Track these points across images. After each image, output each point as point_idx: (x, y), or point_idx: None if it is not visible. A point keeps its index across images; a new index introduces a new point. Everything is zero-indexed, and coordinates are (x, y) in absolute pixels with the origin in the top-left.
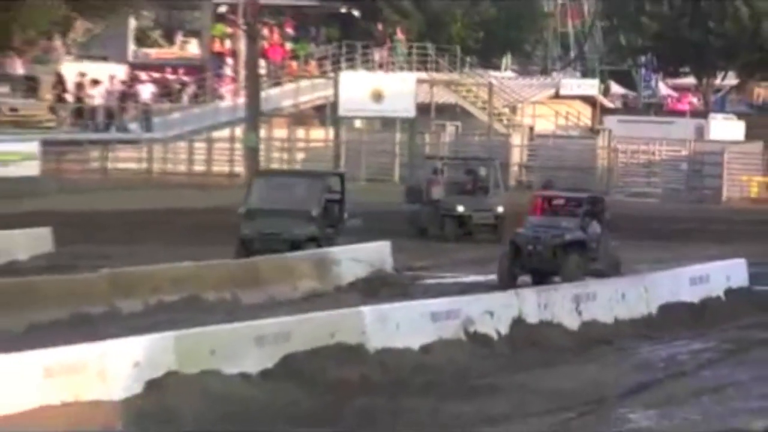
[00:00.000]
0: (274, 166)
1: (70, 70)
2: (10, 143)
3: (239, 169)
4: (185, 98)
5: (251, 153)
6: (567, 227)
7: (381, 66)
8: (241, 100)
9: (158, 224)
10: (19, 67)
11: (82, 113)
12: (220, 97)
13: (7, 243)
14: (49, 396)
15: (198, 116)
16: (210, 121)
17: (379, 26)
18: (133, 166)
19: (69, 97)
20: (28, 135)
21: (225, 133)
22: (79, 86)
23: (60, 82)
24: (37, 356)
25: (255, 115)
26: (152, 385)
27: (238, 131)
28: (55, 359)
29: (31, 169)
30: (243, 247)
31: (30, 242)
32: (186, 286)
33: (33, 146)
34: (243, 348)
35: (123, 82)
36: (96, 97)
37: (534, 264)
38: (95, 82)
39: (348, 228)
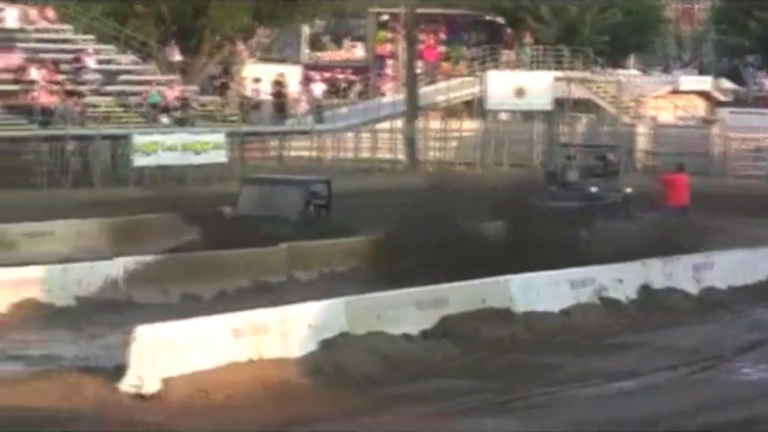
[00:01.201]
0: (430, 153)
1: (252, 71)
2: (202, 134)
3: (400, 156)
4: (352, 95)
5: (410, 142)
6: None
7: (509, 66)
8: (401, 96)
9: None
10: (208, 68)
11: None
12: (382, 94)
13: None
14: (237, 354)
15: (363, 110)
16: (373, 115)
17: (508, 30)
18: (306, 153)
19: (250, 95)
20: (216, 127)
21: (387, 125)
22: (278, 84)
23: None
24: (227, 319)
25: (413, 109)
26: (325, 344)
27: (399, 123)
28: (242, 322)
29: (220, 156)
30: None
31: None
32: (354, 258)
33: (221, 137)
34: (405, 311)
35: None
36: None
37: None
38: (279, 83)
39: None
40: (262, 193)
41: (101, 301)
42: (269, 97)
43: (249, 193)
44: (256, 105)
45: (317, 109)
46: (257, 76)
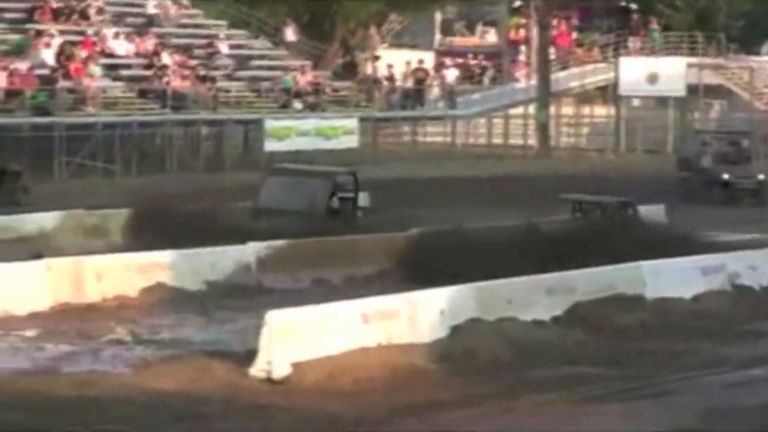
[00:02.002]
0: (563, 139)
1: (384, 57)
2: (334, 119)
3: (532, 141)
4: (485, 80)
5: (542, 128)
6: None
7: (638, 52)
8: (533, 81)
9: (462, 190)
10: (340, 54)
11: (393, 93)
12: (515, 80)
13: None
14: (366, 339)
15: (496, 96)
16: (506, 101)
17: (634, 17)
18: (438, 139)
19: (383, 80)
20: (348, 112)
21: (519, 110)
22: (418, 70)
23: (375, 67)
24: (357, 304)
25: (545, 95)
26: (455, 330)
27: (531, 109)
28: (372, 307)
29: (351, 141)
30: None
31: None
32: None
33: (352, 122)
34: (535, 297)
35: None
36: (407, 79)
37: None
38: (419, 70)
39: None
40: (285, 184)
41: (231, 285)
42: (402, 83)
43: (272, 184)
44: (390, 90)
45: (450, 95)
46: (390, 62)
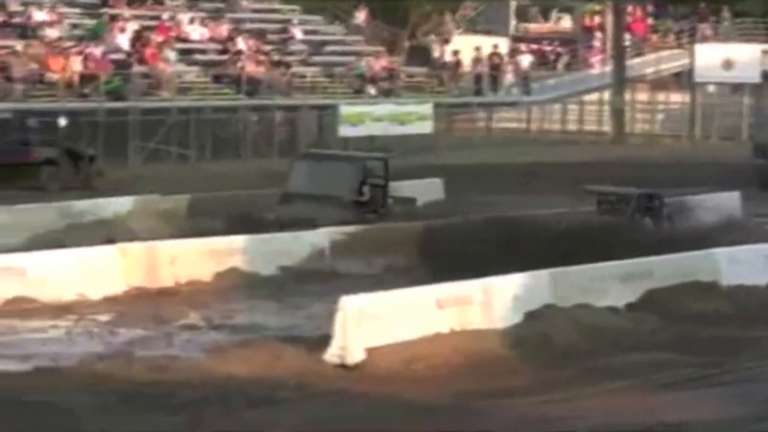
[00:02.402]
0: (638, 126)
1: (459, 43)
2: (408, 105)
3: (606, 128)
4: (560, 66)
5: (617, 114)
6: None
7: (710, 39)
8: (608, 68)
9: (536, 176)
10: (414, 40)
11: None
12: (590, 66)
13: (405, 191)
14: (440, 325)
15: (570, 82)
16: (581, 87)
17: (702, 5)
18: (513, 125)
19: (457, 66)
20: (422, 98)
21: (594, 96)
22: (494, 55)
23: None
24: (431, 290)
25: (620, 81)
26: (529, 316)
27: (606, 95)
28: (446, 293)
29: (425, 127)
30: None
31: (424, 191)
32: None
33: (427, 108)
34: (610, 284)
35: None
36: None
37: None
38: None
39: (394, 212)
40: (314, 169)
41: (305, 271)
42: (477, 69)
43: (301, 169)
44: (464, 76)
45: (524, 81)
46: (463, 48)
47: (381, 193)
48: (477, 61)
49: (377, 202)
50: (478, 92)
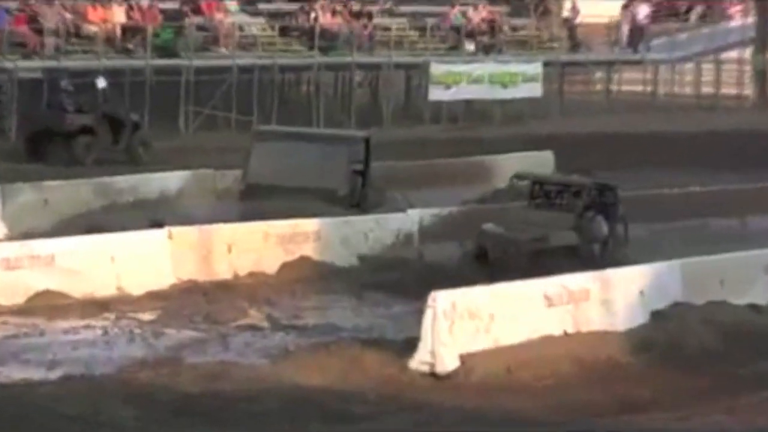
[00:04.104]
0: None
1: None
2: (513, 64)
3: (748, 91)
4: (692, 19)
5: (760, 76)
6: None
7: None
8: (750, 20)
9: (662, 148)
10: None
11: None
12: (729, 18)
13: (511, 166)
14: (549, 326)
15: (706, 38)
16: (718, 43)
17: None
18: (637, 87)
19: (573, 18)
20: (531, 56)
21: (733, 54)
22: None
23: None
24: (538, 284)
25: (764, 37)
26: (657, 315)
27: (747, 53)
28: (557, 287)
29: (533, 90)
30: None
31: (532, 166)
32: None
33: (536, 67)
34: (752, 277)
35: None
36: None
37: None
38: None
39: (377, 206)
40: (285, 152)
41: (389, 260)
42: (594, 21)
43: (265, 152)
44: (580, 30)
45: (639, 35)
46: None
47: (360, 182)
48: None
49: (356, 193)
50: (592, 49)
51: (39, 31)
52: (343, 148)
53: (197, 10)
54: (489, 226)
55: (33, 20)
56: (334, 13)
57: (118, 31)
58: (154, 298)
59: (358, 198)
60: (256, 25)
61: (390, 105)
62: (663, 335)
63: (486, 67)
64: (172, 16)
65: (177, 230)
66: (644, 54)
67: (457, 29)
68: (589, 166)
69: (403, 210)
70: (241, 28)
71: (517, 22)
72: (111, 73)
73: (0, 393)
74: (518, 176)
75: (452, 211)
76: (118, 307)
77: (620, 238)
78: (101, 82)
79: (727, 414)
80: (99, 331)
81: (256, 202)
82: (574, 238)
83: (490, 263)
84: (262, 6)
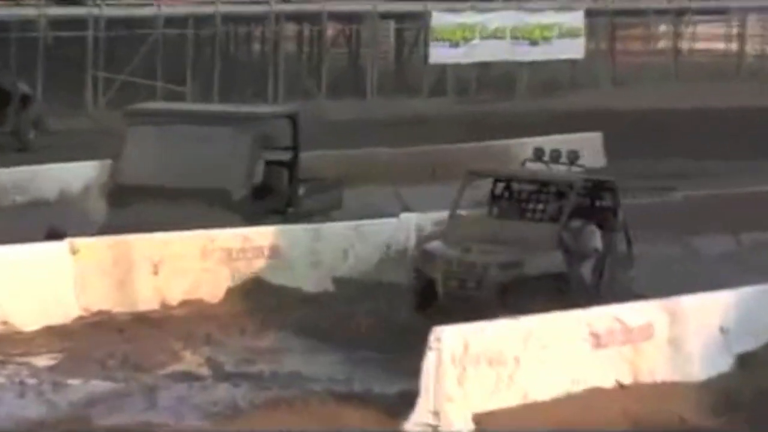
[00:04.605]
0: None
1: None
2: (545, 12)
3: None
4: None
5: None
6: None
7: None
8: None
9: (748, 129)
10: None
11: None
12: None
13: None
14: (599, 374)
15: None
16: None
17: None
18: (717, 46)
19: None
20: (566, 3)
21: None
22: None
23: None
24: (583, 316)
25: None
26: (745, 361)
27: None
28: (609, 321)
29: (574, 49)
30: None
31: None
32: None
33: (576, 17)
34: None
35: None
36: None
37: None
38: None
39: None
40: (166, 141)
41: (374, 284)
42: None
43: (140, 141)
44: None
45: None
46: None
47: (286, 177)
48: None
49: (281, 192)
50: None
51: None
52: (244, 131)
53: None
54: (436, 247)
55: None
56: None
57: None
58: (52, 334)
59: (283, 199)
60: None
61: (375, 69)
62: (752, 388)
63: (507, 17)
64: None
65: (82, 242)
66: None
67: None
68: (649, 153)
69: (394, 214)
70: None
71: None
72: None
73: None
74: (473, 173)
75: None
76: (3, 348)
77: (622, 256)
78: None
79: None
80: None
81: (124, 209)
82: (560, 262)
83: (438, 302)
84: None
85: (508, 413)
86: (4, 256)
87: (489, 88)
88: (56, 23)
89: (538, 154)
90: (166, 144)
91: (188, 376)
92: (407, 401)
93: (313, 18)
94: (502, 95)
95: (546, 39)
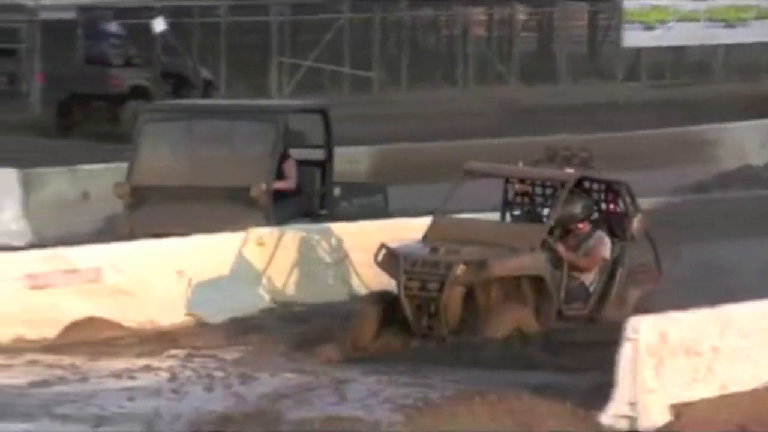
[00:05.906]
0: None
1: None
2: None
3: None
4: None
5: None
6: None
7: None
8: None
9: None
10: None
11: None
12: None
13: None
14: None
15: None
16: None
17: None
18: None
19: None
20: None
21: None
22: None
23: None
24: None
25: None
26: None
27: None
28: None
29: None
30: None
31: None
32: None
33: None
34: None
35: None
36: None
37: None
38: None
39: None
40: (186, 138)
41: None
42: None
43: (160, 138)
44: None
45: None
46: None
47: (318, 177)
48: None
49: (312, 192)
50: None
51: None
52: (269, 128)
53: None
54: (401, 246)
55: None
56: None
57: None
58: (239, 327)
59: (313, 201)
60: None
61: (565, 54)
62: None
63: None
64: None
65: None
66: None
67: None
68: None
69: None
70: None
71: None
72: (173, 12)
73: None
74: (469, 171)
75: (657, 202)
76: (190, 341)
77: (642, 269)
78: (159, 25)
79: None
80: (165, 375)
81: (141, 210)
82: (540, 264)
83: (402, 307)
84: None
85: (705, 404)
86: (189, 245)
87: (684, 73)
88: (237, 8)
89: (550, 154)
90: (183, 140)
91: (378, 370)
92: (601, 393)
93: (503, 1)
94: (698, 79)
95: (742, 21)
